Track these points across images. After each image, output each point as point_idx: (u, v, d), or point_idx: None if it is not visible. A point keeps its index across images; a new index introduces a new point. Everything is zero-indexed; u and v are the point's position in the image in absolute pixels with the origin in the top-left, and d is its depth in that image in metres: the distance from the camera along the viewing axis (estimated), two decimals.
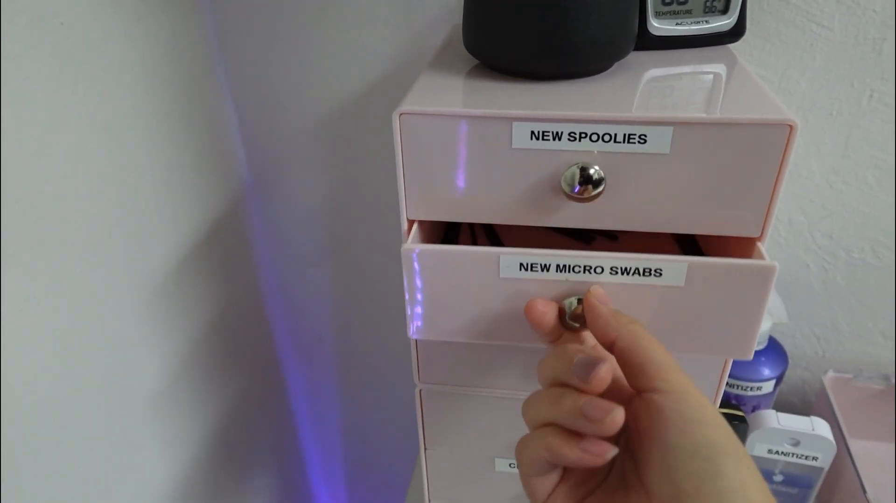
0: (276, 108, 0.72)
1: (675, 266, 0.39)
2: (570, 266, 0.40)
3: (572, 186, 0.40)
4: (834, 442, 0.62)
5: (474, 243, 0.55)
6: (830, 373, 0.72)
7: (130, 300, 0.59)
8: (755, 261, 0.39)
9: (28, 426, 0.49)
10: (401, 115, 0.41)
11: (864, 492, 0.60)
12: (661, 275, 0.40)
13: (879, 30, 0.57)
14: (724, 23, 0.50)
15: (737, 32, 0.51)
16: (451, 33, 0.59)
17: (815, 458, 0.63)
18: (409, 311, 0.44)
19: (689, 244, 0.53)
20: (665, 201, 0.41)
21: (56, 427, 0.52)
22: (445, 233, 0.55)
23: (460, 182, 0.43)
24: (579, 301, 0.40)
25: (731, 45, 0.52)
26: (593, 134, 0.39)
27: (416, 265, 0.42)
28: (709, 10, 0.50)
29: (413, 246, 0.42)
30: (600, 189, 0.40)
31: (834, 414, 0.67)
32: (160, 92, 0.61)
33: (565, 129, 0.39)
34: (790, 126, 0.37)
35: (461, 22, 0.62)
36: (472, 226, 0.56)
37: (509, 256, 0.40)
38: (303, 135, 0.73)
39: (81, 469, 0.55)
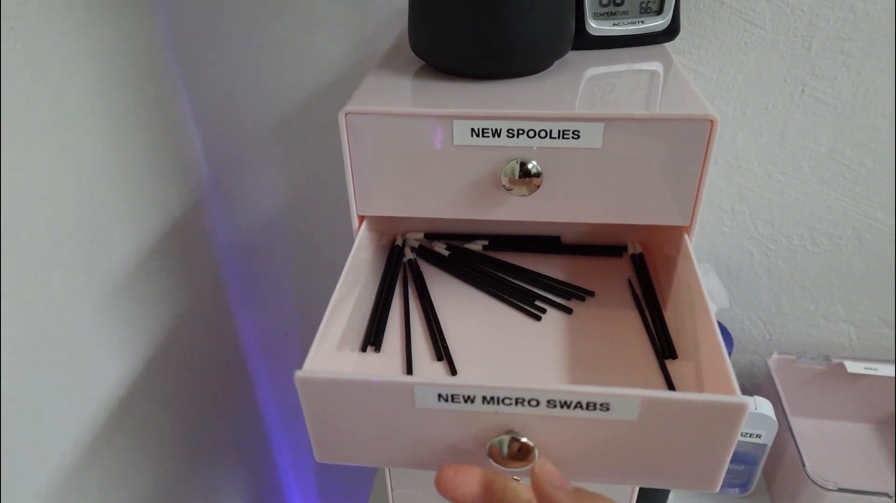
0: (233, 108, 0.73)
1: (626, 401, 0.32)
2: (498, 398, 0.33)
3: (512, 181, 0.43)
4: (776, 419, 0.65)
5: (406, 303, 0.52)
6: (775, 355, 0.75)
7: (89, 302, 0.60)
8: (722, 398, 0.32)
9: None
10: (346, 114, 0.43)
11: (804, 465, 0.63)
12: (608, 409, 0.33)
13: (808, 28, 0.61)
14: (658, 23, 0.53)
15: (671, 32, 0.53)
16: (400, 36, 0.60)
17: (758, 436, 0.66)
18: (312, 437, 0.37)
19: (650, 302, 0.51)
20: (600, 193, 0.44)
21: (12, 433, 0.52)
22: (380, 290, 0.52)
23: (406, 178, 0.44)
24: (514, 440, 0.33)
25: (668, 44, 0.55)
26: (530, 130, 0.41)
27: (319, 395, 0.35)
28: (644, 11, 0.52)
29: (313, 374, 0.34)
30: (539, 181, 0.43)
31: (777, 394, 0.70)
32: (115, 94, 0.61)
33: (504, 125, 0.41)
34: (711, 121, 0.40)
35: None
36: (406, 286, 0.54)
37: (424, 387, 0.33)
38: (261, 134, 0.75)
39: (40, 471, 0.56)
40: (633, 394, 0.32)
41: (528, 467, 0.33)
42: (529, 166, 0.42)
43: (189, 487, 0.81)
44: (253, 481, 0.99)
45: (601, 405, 0.32)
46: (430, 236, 0.60)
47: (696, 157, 0.41)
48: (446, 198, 0.45)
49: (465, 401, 0.33)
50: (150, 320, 0.69)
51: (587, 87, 0.45)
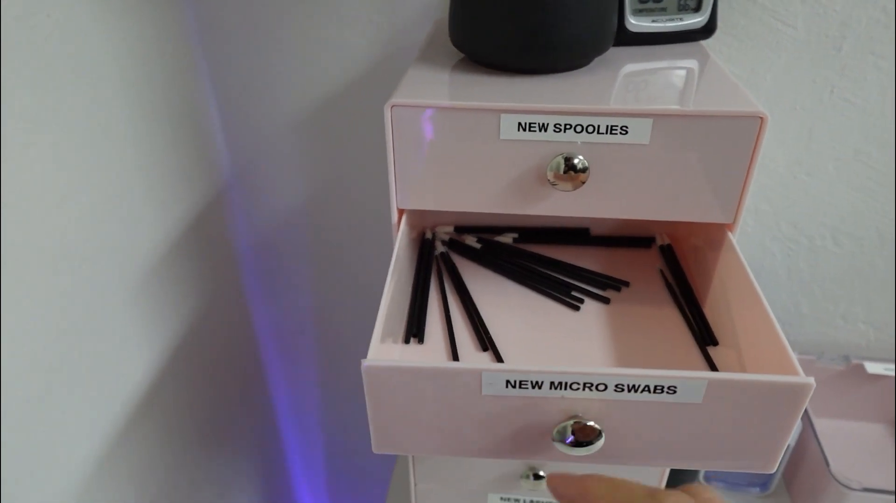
0: (258, 103, 0.73)
1: (692, 383, 0.33)
2: (566, 383, 0.33)
3: (558, 176, 0.42)
4: (799, 420, 0.65)
5: (443, 295, 0.52)
6: (795, 356, 0.75)
7: (116, 294, 0.59)
8: (787, 379, 0.32)
9: (20, 422, 0.49)
10: (392, 107, 0.42)
11: (828, 465, 0.63)
12: (675, 392, 0.33)
13: (839, 29, 0.61)
14: (697, 20, 0.53)
15: (709, 29, 0.53)
16: (435, 28, 0.60)
17: None
18: (372, 427, 0.37)
19: (685, 293, 0.51)
20: (644, 189, 0.43)
21: (43, 426, 0.52)
22: (415, 283, 0.52)
23: (449, 172, 0.44)
24: (579, 423, 0.33)
25: (703, 42, 0.55)
26: (577, 125, 0.41)
27: (385, 384, 0.35)
28: (683, 9, 0.52)
29: (381, 363, 0.34)
30: (584, 177, 0.42)
31: None
32: (143, 86, 0.61)
33: (551, 120, 0.41)
34: (761, 118, 0.40)
35: (443, 17, 0.64)
36: (441, 278, 0.54)
37: (493, 374, 0.33)
38: (284, 130, 0.74)
39: (70, 464, 0.55)
40: (700, 376, 0.32)
41: (592, 451, 0.33)
42: (576, 161, 0.42)
43: (204, 480, 0.80)
44: (263, 477, 0.99)
45: (668, 388, 0.33)
46: (459, 229, 0.60)
47: (744, 154, 0.41)
48: (489, 192, 0.45)
49: (533, 387, 0.33)
50: (171, 314, 0.69)
51: (630, 83, 0.45)
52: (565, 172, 0.42)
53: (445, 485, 0.65)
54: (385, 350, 0.43)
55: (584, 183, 0.43)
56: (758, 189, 0.70)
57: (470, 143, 0.43)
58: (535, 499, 0.64)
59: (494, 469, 0.62)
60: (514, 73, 0.47)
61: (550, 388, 0.33)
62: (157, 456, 0.69)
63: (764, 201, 0.71)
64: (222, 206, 0.78)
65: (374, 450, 0.37)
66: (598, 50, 0.47)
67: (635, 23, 0.51)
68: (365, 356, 0.35)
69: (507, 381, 0.33)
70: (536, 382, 0.33)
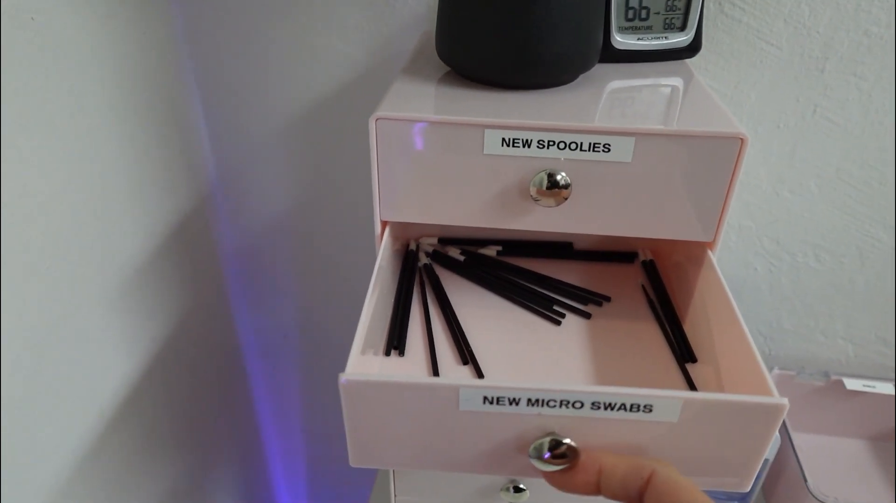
0: (244, 108, 0.73)
1: (669, 402, 0.33)
2: (543, 400, 0.33)
3: (541, 191, 0.43)
4: (778, 435, 0.65)
5: (425, 307, 0.52)
6: (776, 371, 0.76)
7: (97, 297, 0.59)
8: (761, 399, 0.33)
9: None
10: (377, 119, 0.42)
11: (806, 480, 0.64)
12: (651, 411, 0.33)
13: (822, 50, 0.61)
14: (682, 39, 0.53)
15: (694, 48, 0.54)
16: (422, 40, 0.60)
17: None
18: (350, 440, 0.37)
19: (665, 309, 0.52)
20: (626, 207, 0.44)
21: (18, 431, 0.51)
22: (397, 296, 0.52)
23: (432, 185, 0.44)
24: (555, 441, 0.34)
25: (688, 60, 0.55)
26: (560, 142, 0.42)
27: (362, 398, 0.35)
28: (668, 27, 0.53)
29: (359, 377, 0.34)
30: (567, 193, 0.43)
31: None
32: (128, 90, 0.61)
33: (535, 136, 0.41)
34: (742, 139, 0.40)
35: (431, 29, 0.64)
36: (423, 290, 0.54)
37: (470, 390, 0.33)
38: (271, 136, 0.74)
39: (44, 470, 0.55)
40: (676, 395, 0.33)
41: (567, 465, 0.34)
42: (558, 177, 0.42)
43: (184, 488, 0.80)
44: (244, 483, 0.98)
45: (644, 407, 0.33)
46: (443, 241, 0.60)
47: (724, 174, 0.42)
48: (473, 206, 0.45)
49: (511, 404, 0.33)
50: (153, 317, 0.69)
51: (614, 101, 0.46)
52: (548, 188, 0.42)
53: (425, 498, 0.64)
54: (365, 362, 0.43)
55: (566, 199, 0.43)
56: (741, 206, 0.71)
57: (454, 157, 0.43)
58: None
59: (475, 481, 0.62)
60: (499, 87, 0.47)
61: (528, 405, 0.33)
62: (136, 463, 0.68)
63: (747, 218, 0.72)
64: (207, 211, 0.77)
65: (352, 463, 0.37)
66: (584, 67, 0.47)
67: (621, 40, 0.52)
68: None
69: (485, 397, 0.33)
70: (514, 399, 0.33)
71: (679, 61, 0.55)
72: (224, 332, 0.86)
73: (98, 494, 0.62)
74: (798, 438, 0.68)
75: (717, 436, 0.34)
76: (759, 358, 0.37)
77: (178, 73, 0.68)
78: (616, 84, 0.49)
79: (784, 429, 0.68)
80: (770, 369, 0.77)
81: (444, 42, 0.47)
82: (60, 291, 0.54)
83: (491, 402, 0.33)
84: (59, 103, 0.52)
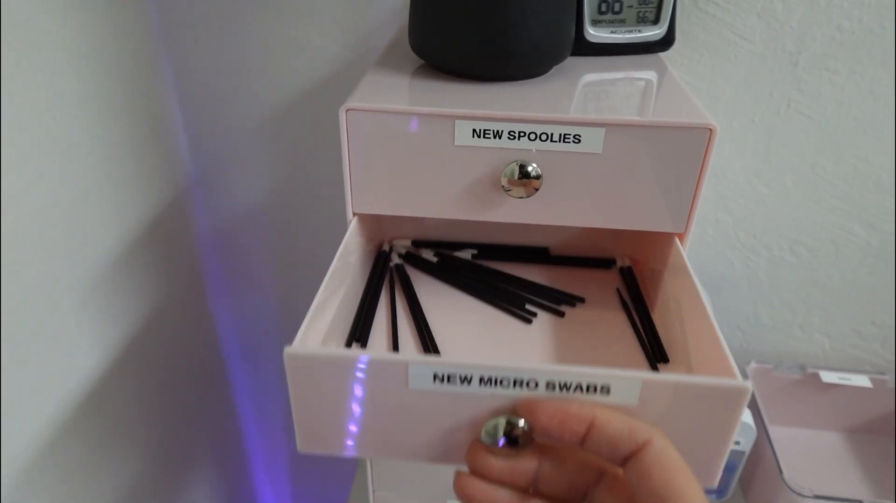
0: (221, 102, 0.72)
1: (627, 383, 0.31)
2: (496, 379, 0.32)
3: (512, 182, 0.43)
4: (755, 427, 0.66)
5: (392, 304, 0.51)
6: (753, 364, 0.77)
7: (69, 293, 0.58)
8: (723, 381, 0.31)
9: None
10: (347, 110, 0.42)
11: (781, 472, 0.64)
12: (608, 392, 0.32)
13: (795, 45, 0.62)
14: (655, 32, 0.53)
15: (667, 42, 0.54)
16: (398, 34, 0.60)
17: (737, 443, 0.67)
18: (296, 422, 0.36)
19: (640, 312, 0.51)
20: (597, 198, 0.44)
21: None
22: (365, 291, 0.52)
23: (404, 177, 0.44)
24: (509, 423, 0.31)
25: (662, 54, 0.55)
26: (531, 133, 0.42)
27: (307, 373, 0.34)
28: (641, 21, 0.53)
29: (304, 350, 0.33)
30: (538, 184, 0.43)
31: (755, 402, 0.71)
32: (102, 83, 0.60)
33: (505, 127, 0.41)
34: (710, 129, 0.41)
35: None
36: (392, 289, 0.54)
37: (420, 366, 0.32)
38: (248, 130, 0.74)
39: (13, 467, 0.54)
40: (635, 376, 0.31)
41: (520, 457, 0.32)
42: (529, 168, 0.42)
43: (161, 487, 0.79)
44: (225, 483, 0.98)
45: (602, 387, 0.31)
46: (418, 244, 0.60)
47: (694, 165, 0.42)
48: (444, 197, 0.45)
49: (462, 383, 0.32)
50: (129, 314, 0.68)
51: (587, 93, 0.46)
52: (519, 178, 0.42)
53: (404, 493, 0.64)
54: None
55: (537, 190, 0.43)
56: (718, 199, 0.72)
57: (425, 148, 0.43)
58: None
59: (452, 476, 0.62)
60: (471, 79, 0.47)
61: (480, 384, 0.32)
62: (102, 460, 0.67)
63: (724, 212, 0.72)
64: (184, 205, 0.77)
65: (300, 449, 0.36)
66: (556, 59, 0.47)
67: (594, 33, 0.52)
68: None
69: (435, 375, 0.32)
70: (465, 377, 0.31)
71: (653, 55, 0.55)
72: (202, 328, 0.86)
73: (57, 494, 0.61)
74: (775, 431, 0.69)
75: (680, 423, 0.33)
76: (723, 343, 0.36)
77: (153, 65, 0.68)
78: (589, 77, 0.49)
79: (760, 422, 0.69)
80: (747, 363, 0.77)
81: (417, 34, 0.47)
82: (30, 285, 0.53)
83: (442, 380, 0.32)
84: (29, 96, 0.51)
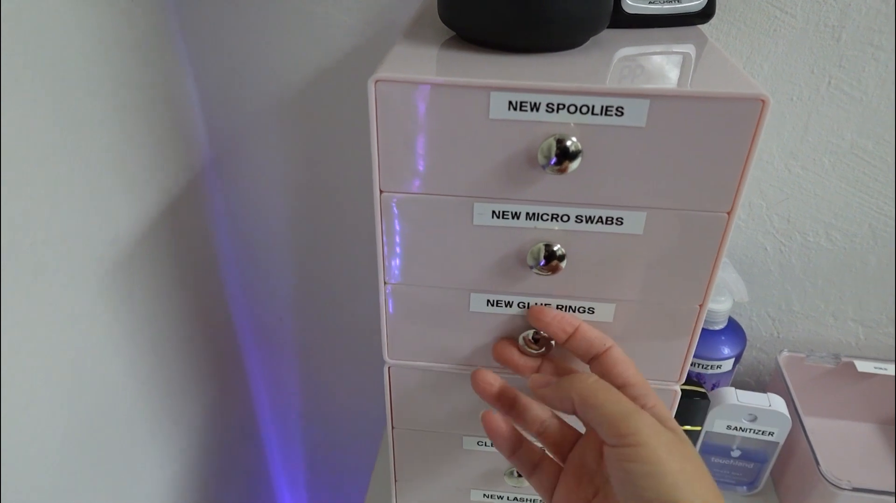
0: (238, 81, 0.70)
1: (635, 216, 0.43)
2: (538, 214, 0.43)
3: (549, 158, 0.40)
4: (790, 417, 0.64)
5: None
6: (785, 353, 0.74)
7: (84, 276, 0.57)
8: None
9: None
10: (376, 82, 0.40)
11: (818, 464, 0.62)
12: (621, 223, 0.43)
13: (839, 18, 0.59)
14: (695, 3, 0.51)
15: (707, 14, 0.52)
16: (424, 5, 0.58)
17: (771, 433, 0.65)
18: (383, 260, 0.47)
19: None
20: (639, 175, 0.41)
21: (8, 403, 0.49)
22: None
23: (435, 153, 0.42)
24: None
25: (700, 27, 0.53)
26: (571, 105, 0.39)
27: (394, 210, 0.44)
28: None
29: (391, 194, 0.43)
30: (577, 162, 0.40)
31: (788, 391, 0.69)
32: (115, 61, 0.58)
33: (543, 99, 0.39)
34: (763, 101, 0.38)
35: None
36: None
37: (483, 203, 0.43)
38: (266, 109, 0.72)
39: (38, 446, 0.53)
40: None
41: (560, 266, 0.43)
42: (568, 143, 0.40)
43: (180, 471, 0.78)
44: (241, 470, 0.96)
45: (616, 219, 0.43)
46: None
47: (744, 139, 0.39)
48: (476, 175, 0.43)
49: (513, 218, 0.43)
50: (143, 297, 0.66)
51: (627, 65, 0.43)
52: (557, 155, 0.40)
53: (427, 481, 0.63)
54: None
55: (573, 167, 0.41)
56: (752, 182, 0.69)
57: (458, 122, 0.41)
58: (518, 495, 0.62)
59: (477, 465, 0.60)
60: (506, 51, 0.45)
61: (526, 219, 0.44)
62: (124, 447, 0.66)
63: (757, 195, 0.70)
64: (200, 190, 0.75)
65: (387, 279, 0.48)
66: (593, 29, 0.45)
67: (632, 3, 0.49)
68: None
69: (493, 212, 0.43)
70: (515, 213, 0.43)
71: (691, 27, 0.53)
72: (218, 314, 0.84)
73: (89, 479, 0.60)
74: (809, 422, 0.66)
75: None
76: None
77: (167, 43, 0.66)
78: (626, 49, 0.47)
79: (794, 412, 0.66)
80: (779, 351, 0.75)
81: (447, 4, 0.45)
82: (45, 270, 0.52)
83: (498, 217, 0.44)
84: (38, 75, 0.50)
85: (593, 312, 0.48)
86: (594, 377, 0.40)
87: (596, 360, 0.42)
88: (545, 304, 0.46)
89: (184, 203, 0.72)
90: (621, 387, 0.40)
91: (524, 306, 0.47)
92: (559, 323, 0.43)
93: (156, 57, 0.64)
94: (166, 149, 0.67)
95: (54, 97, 0.51)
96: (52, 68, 0.51)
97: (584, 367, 0.44)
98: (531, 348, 0.46)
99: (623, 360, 0.41)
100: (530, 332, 0.46)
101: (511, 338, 0.47)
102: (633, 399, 0.38)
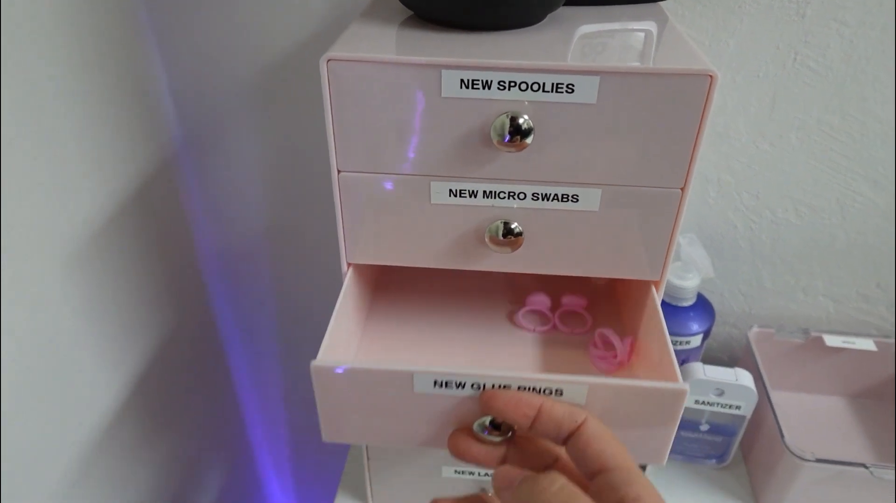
0: (207, 61, 0.70)
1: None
2: (495, 192, 0.44)
3: (502, 136, 0.41)
4: (756, 391, 0.65)
5: None
6: (755, 329, 0.75)
7: (52, 260, 0.57)
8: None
9: None
10: (328, 61, 0.40)
11: (783, 436, 0.63)
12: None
13: None
14: None
15: None
16: None
17: (738, 407, 0.66)
18: (345, 242, 0.47)
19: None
20: (593, 152, 0.42)
21: None
22: None
23: (390, 132, 0.42)
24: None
25: (664, 5, 0.53)
26: (522, 83, 0.39)
27: (352, 190, 0.45)
28: None
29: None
30: (530, 139, 0.41)
31: (757, 366, 0.70)
32: (78, 43, 0.58)
33: (495, 77, 0.39)
34: (711, 76, 0.38)
35: None
36: None
37: (439, 181, 0.43)
38: (237, 90, 0.71)
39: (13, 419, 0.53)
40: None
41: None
42: (521, 121, 0.40)
43: (160, 462, 0.79)
44: (224, 454, 0.97)
45: (572, 196, 0.44)
46: None
47: (694, 115, 0.40)
48: (432, 154, 0.43)
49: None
50: (115, 283, 0.67)
51: (582, 42, 0.44)
52: (511, 133, 0.40)
53: (398, 462, 0.64)
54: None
55: (527, 144, 0.41)
56: (720, 159, 0.69)
57: (411, 101, 0.41)
58: (488, 471, 0.63)
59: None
60: (462, 29, 0.45)
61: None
62: (102, 435, 0.67)
63: (727, 172, 0.70)
64: (172, 173, 0.75)
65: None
66: (549, 6, 0.45)
67: None
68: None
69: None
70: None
71: (653, 5, 0.53)
72: (196, 299, 0.84)
73: (65, 471, 0.61)
74: (777, 396, 0.68)
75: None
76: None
77: (133, 25, 0.65)
78: (584, 27, 0.47)
79: (762, 386, 0.67)
80: (749, 327, 0.76)
81: None
82: (9, 254, 0.52)
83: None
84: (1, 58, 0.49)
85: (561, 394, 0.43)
86: (558, 483, 0.33)
87: (569, 441, 0.35)
88: (501, 387, 0.38)
89: (156, 185, 0.72)
90: (598, 473, 0.33)
91: (478, 387, 0.39)
92: (517, 406, 0.36)
93: (122, 38, 0.64)
94: (135, 131, 0.67)
95: (16, 80, 0.51)
96: (13, 50, 0.50)
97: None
98: (492, 436, 0.39)
99: (599, 437, 0.35)
100: (487, 419, 0.39)
101: (467, 428, 0.40)
102: (614, 489, 0.32)
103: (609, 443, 0.34)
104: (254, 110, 0.73)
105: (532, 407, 0.36)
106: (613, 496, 0.32)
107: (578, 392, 0.38)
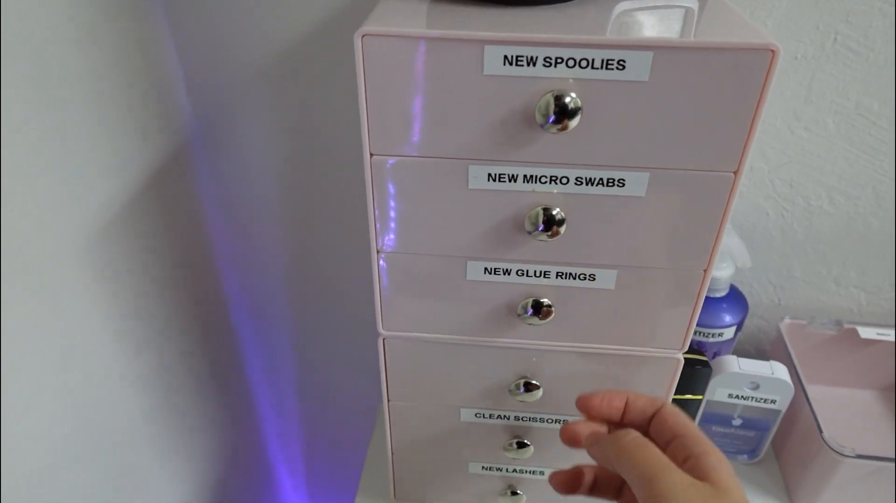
0: (221, 45, 0.67)
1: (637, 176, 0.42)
2: (536, 177, 0.42)
3: (547, 116, 0.38)
4: (792, 385, 0.63)
5: None
6: (787, 320, 0.73)
7: (66, 250, 0.55)
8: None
9: None
10: (363, 36, 0.38)
11: (821, 431, 0.61)
12: (623, 185, 0.42)
13: None
14: None
15: None
16: None
17: (773, 401, 0.64)
18: (376, 227, 0.45)
19: None
20: (642, 133, 0.40)
21: None
22: None
23: (428, 113, 0.40)
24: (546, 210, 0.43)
25: None
26: (570, 59, 0.37)
27: (385, 175, 0.43)
28: None
29: (382, 157, 0.42)
30: (576, 120, 0.38)
31: (790, 358, 0.68)
32: (89, 25, 0.55)
33: (540, 53, 0.37)
34: (773, 51, 0.36)
35: None
36: None
37: (478, 165, 0.42)
38: (251, 73, 0.69)
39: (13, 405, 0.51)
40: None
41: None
42: (567, 100, 0.38)
43: (168, 453, 0.77)
44: (235, 446, 0.95)
45: (618, 181, 0.42)
46: None
47: (752, 93, 0.38)
48: (471, 136, 0.41)
49: (510, 181, 0.42)
50: (129, 273, 0.64)
51: (627, 17, 0.41)
52: (556, 113, 0.38)
53: (424, 455, 0.62)
54: None
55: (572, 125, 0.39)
56: (754, 146, 0.67)
57: (451, 79, 0.38)
58: (517, 467, 0.61)
59: (475, 437, 0.59)
60: (498, 4, 0.42)
61: (524, 182, 0.42)
62: (114, 433, 0.65)
63: (759, 158, 0.68)
64: (185, 161, 0.73)
65: (381, 245, 0.46)
66: None
67: None
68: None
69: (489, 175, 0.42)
70: (512, 176, 0.42)
71: None
72: (208, 290, 0.82)
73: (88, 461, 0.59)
74: (811, 390, 0.65)
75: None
76: None
77: (146, 8, 0.63)
78: (625, 3, 0.44)
79: (797, 379, 0.65)
80: (780, 319, 0.74)
81: None
82: (24, 244, 0.50)
83: (494, 180, 0.43)
84: (10, 44, 0.47)
85: (594, 279, 0.46)
86: (632, 435, 0.39)
87: (652, 422, 0.41)
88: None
89: (169, 174, 0.69)
90: (672, 439, 0.39)
91: (522, 274, 0.46)
92: (609, 403, 0.43)
93: (132, 22, 0.61)
94: (149, 117, 0.65)
95: (29, 66, 0.49)
96: (25, 37, 0.48)
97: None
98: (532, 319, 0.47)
99: (674, 413, 0.41)
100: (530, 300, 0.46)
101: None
102: (683, 450, 0.37)
103: (682, 417, 0.40)
104: (269, 92, 0.70)
105: (621, 399, 0.43)
106: (683, 453, 0.37)
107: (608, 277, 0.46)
